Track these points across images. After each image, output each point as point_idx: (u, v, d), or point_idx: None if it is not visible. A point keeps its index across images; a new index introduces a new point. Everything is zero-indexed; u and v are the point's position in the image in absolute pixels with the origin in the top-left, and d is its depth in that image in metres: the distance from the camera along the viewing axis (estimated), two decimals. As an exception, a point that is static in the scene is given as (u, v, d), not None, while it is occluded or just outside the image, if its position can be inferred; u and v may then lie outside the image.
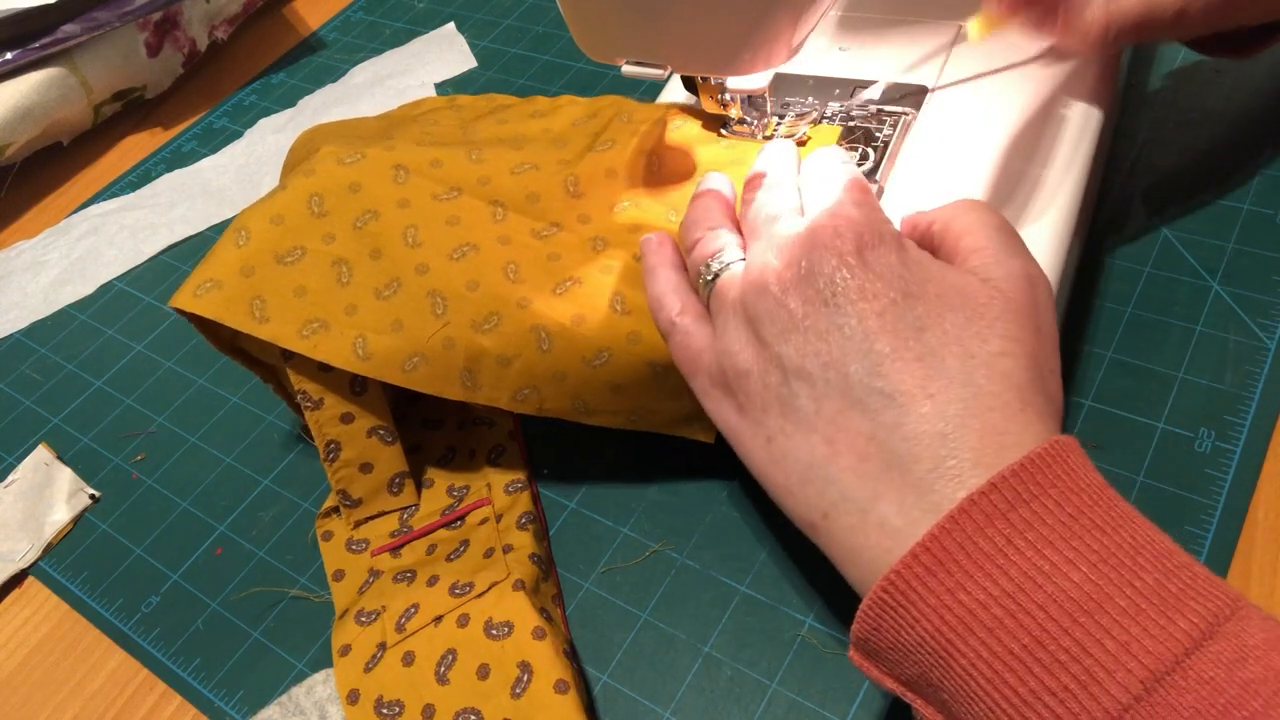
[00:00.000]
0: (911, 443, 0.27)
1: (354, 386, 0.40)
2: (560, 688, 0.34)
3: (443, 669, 0.36)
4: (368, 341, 0.37)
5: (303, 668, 0.39)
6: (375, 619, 0.38)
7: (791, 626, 0.37)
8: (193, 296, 0.39)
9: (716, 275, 0.34)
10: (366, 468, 0.41)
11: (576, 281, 0.37)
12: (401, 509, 0.42)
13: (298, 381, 0.39)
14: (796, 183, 0.35)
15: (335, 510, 0.43)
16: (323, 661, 0.39)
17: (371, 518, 0.42)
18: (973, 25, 0.40)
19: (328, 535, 0.42)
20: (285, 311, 0.38)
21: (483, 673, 0.35)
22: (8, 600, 0.45)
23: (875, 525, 0.27)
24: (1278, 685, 0.22)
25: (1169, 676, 0.22)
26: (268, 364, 0.43)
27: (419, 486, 0.43)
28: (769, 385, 0.30)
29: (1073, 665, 0.23)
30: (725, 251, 0.34)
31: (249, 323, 0.38)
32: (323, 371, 0.40)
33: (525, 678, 0.34)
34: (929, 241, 0.33)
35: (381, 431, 0.41)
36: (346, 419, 0.40)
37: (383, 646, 0.37)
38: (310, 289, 0.38)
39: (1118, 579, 0.24)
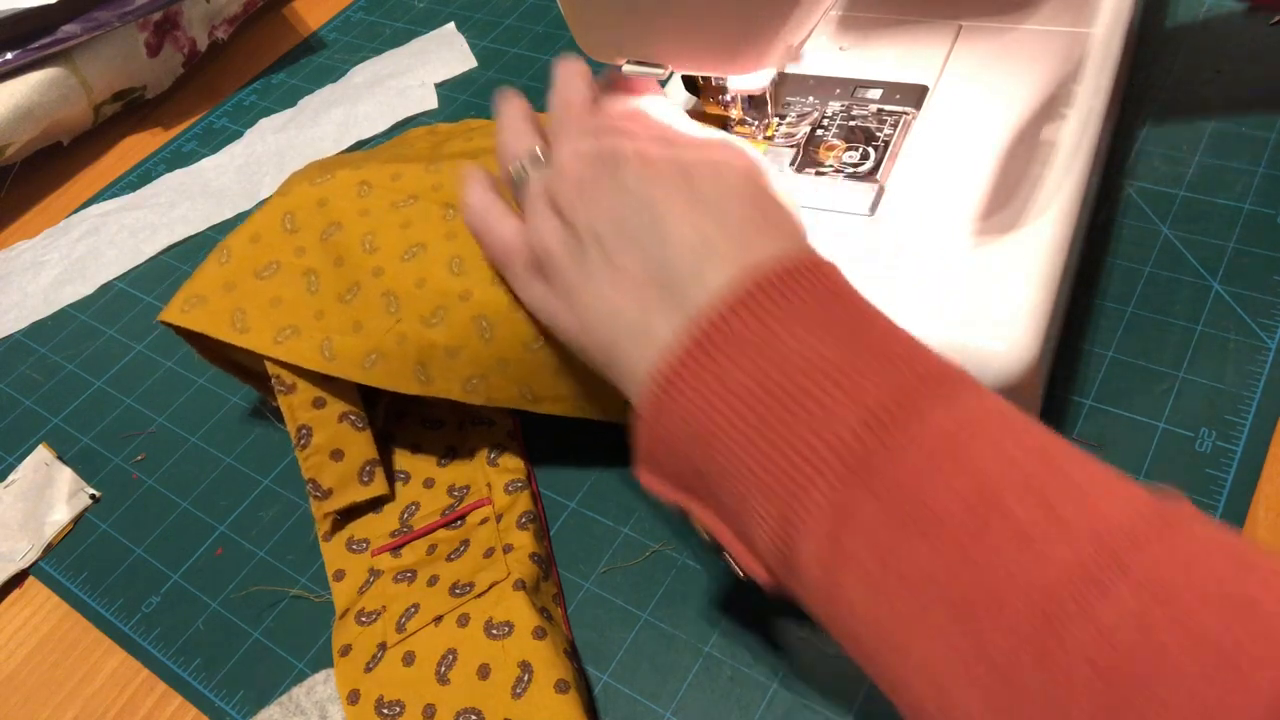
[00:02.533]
0: (676, 263, 0.30)
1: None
2: (561, 687, 0.34)
3: (443, 669, 0.36)
4: (333, 343, 0.40)
5: (303, 668, 0.39)
6: (375, 619, 0.38)
7: (792, 626, 0.37)
8: (180, 312, 0.42)
9: (524, 171, 0.37)
10: (337, 454, 0.42)
11: None
12: (376, 499, 0.42)
13: (273, 369, 0.41)
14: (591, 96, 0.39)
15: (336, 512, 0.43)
16: (323, 661, 0.39)
17: (344, 511, 0.42)
18: None
19: (328, 535, 0.42)
20: (262, 321, 0.41)
21: (483, 672, 0.35)
22: (8, 600, 0.45)
23: (649, 341, 0.30)
24: (1000, 422, 0.26)
25: (899, 418, 0.25)
26: (256, 372, 0.43)
27: (426, 485, 0.43)
28: (570, 254, 0.33)
29: (803, 416, 0.26)
30: (530, 153, 0.37)
31: (231, 333, 0.41)
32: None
33: (526, 677, 0.34)
34: None
35: (352, 417, 0.42)
36: (318, 404, 0.41)
37: (383, 646, 0.37)
38: (284, 299, 0.41)
39: (860, 348, 0.27)
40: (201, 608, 0.42)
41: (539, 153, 0.37)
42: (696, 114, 0.44)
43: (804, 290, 0.29)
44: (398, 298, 0.39)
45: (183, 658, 0.41)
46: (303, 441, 0.41)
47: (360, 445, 0.42)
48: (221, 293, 0.42)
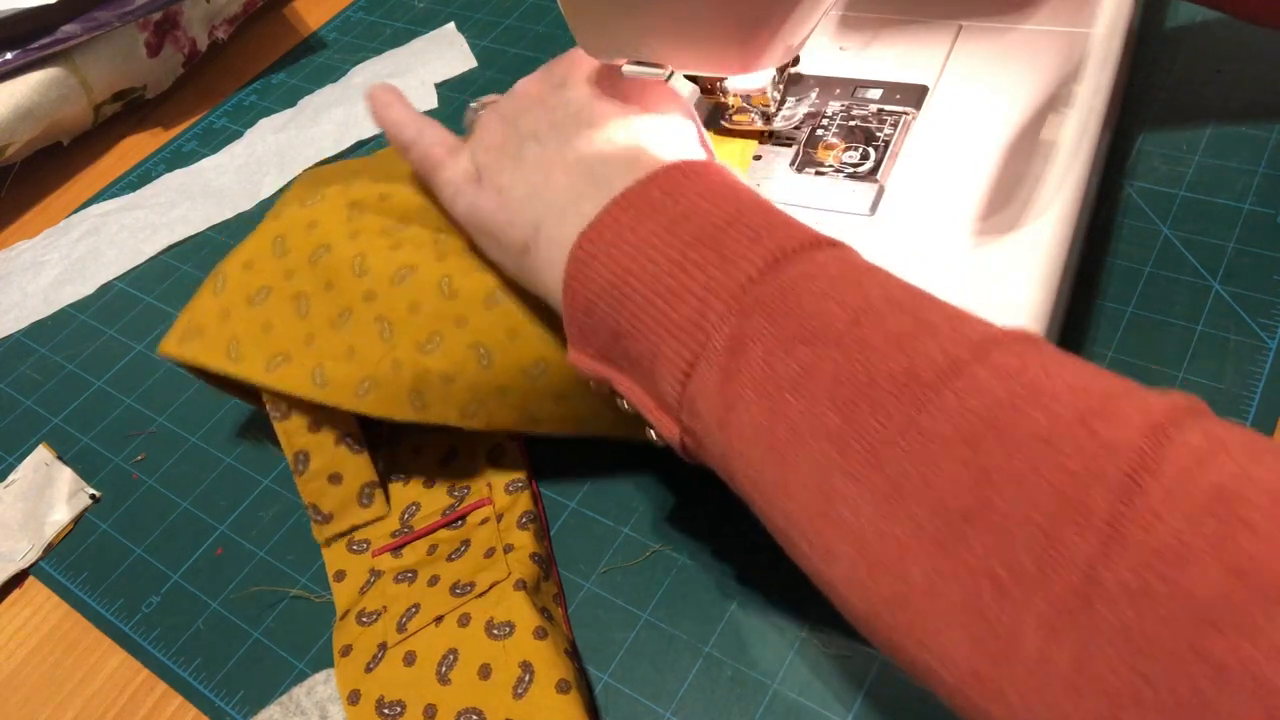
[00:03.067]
0: (609, 158, 0.33)
1: None
2: (562, 687, 0.34)
3: (444, 669, 0.36)
4: (324, 369, 0.39)
5: (303, 668, 0.39)
6: (376, 619, 0.38)
7: (793, 626, 0.37)
8: (178, 344, 0.42)
9: (475, 112, 0.41)
10: (335, 478, 0.42)
11: (509, 293, 0.38)
12: (376, 519, 0.42)
13: (268, 398, 0.41)
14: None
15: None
16: (323, 661, 0.39)
17: (343, 534, 0.42)
18: None
19: (329, 541, 0.42)
20: (254, 349, 0.41)
21: (484, 672, 0.35)
22: (8, 600, 0.45)
23: (576, 217, 0.32)
24: (883, 271, 0.29)
25: (790, 257, 0.28)
26: (258, 395, 0.43)
27: (426, 485, 0.43)
28: (507, 151, 0.36)
29: (714, 257, 0.29)
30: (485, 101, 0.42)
31: (226, 363, 0.41)
32: None
33: (527, 677, 0.34)
34: None
35: (349, 440, 0.42)
36: (314, 427, 0.41)
37: (384, 647, 0.37)
38: (275, 324, 0.41)
39: (756, 211, 0.30)
40: (201, 608, 0.42)
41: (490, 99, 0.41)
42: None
43: (715, 173, 0.32)
44: (391, 323, 0.39)
45: (183, 658, 0.41)
46: (300, 468, 0.41)
47: (359, 468, 0.42)
48: (217, 322, 0.42)
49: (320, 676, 0.38)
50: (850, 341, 0.26)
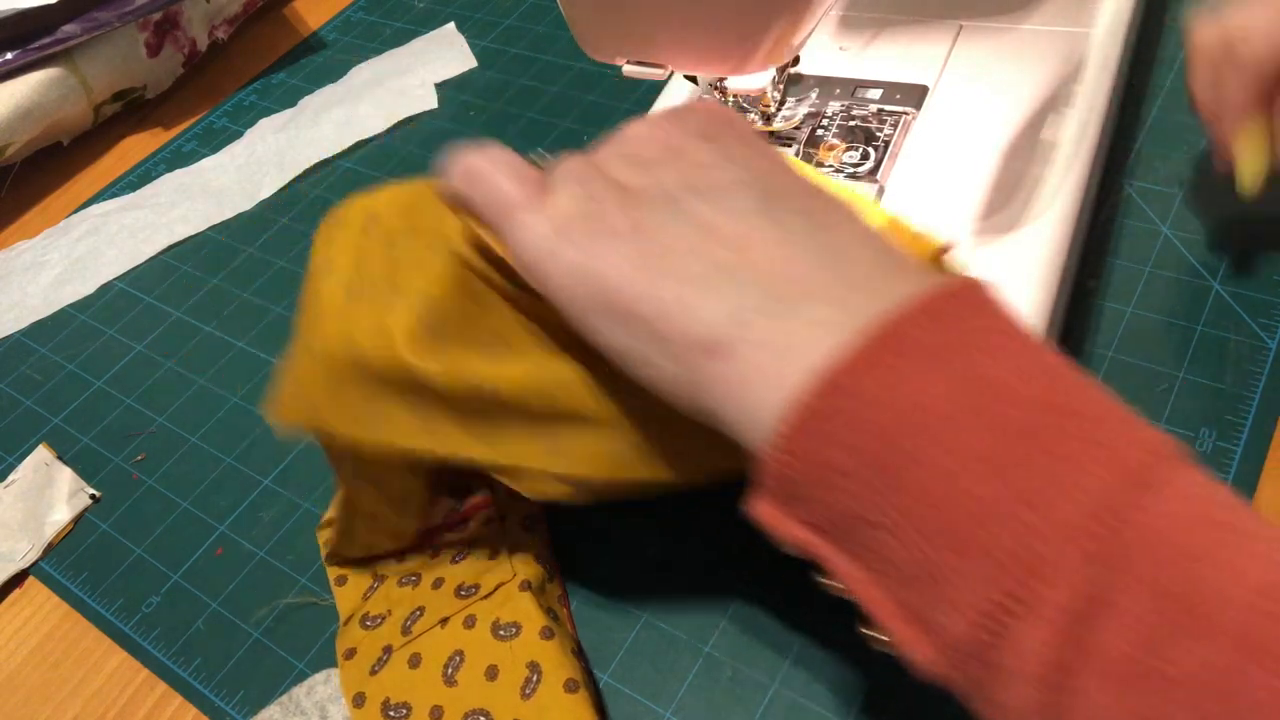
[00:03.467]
0: (839, 246, 0.25)
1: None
2: (570, 687, 0.34)
3: (450, 670, 0.36)
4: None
5: (303, 668, 0.39)
6: (381, 623, 0.38)
7: (793, 626, 0.37)
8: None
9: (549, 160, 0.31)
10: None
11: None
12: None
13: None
14: None
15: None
16: (323, 662, 0.39)
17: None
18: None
19: (329, 543, 0.42)
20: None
21: (491, 673, 0.35)
22: (8, 600, 0.45)
23: (805, 323, 0.23)
24: (1235, 504, 0.21)
25: (1149, 480, 0.20)
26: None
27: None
28: (645, 209, 0.27)
29: (1045, 466, 0.20)
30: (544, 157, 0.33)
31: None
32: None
33: (535, 678, 0.34)
34: None
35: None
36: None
37: (389, 650, 0.37)
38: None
39: (1084, 392, 0.22)
40: (201, 608, 0.42)
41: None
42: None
43: (998, 305, 0.23)
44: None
45: (183, 658, 0.41)
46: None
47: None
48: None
49: (320, 676, 0.38)
50: (1256, 644, 0.19)
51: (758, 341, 0.24)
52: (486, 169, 0.31)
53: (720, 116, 0.29)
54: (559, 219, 0.28)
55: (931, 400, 0.21)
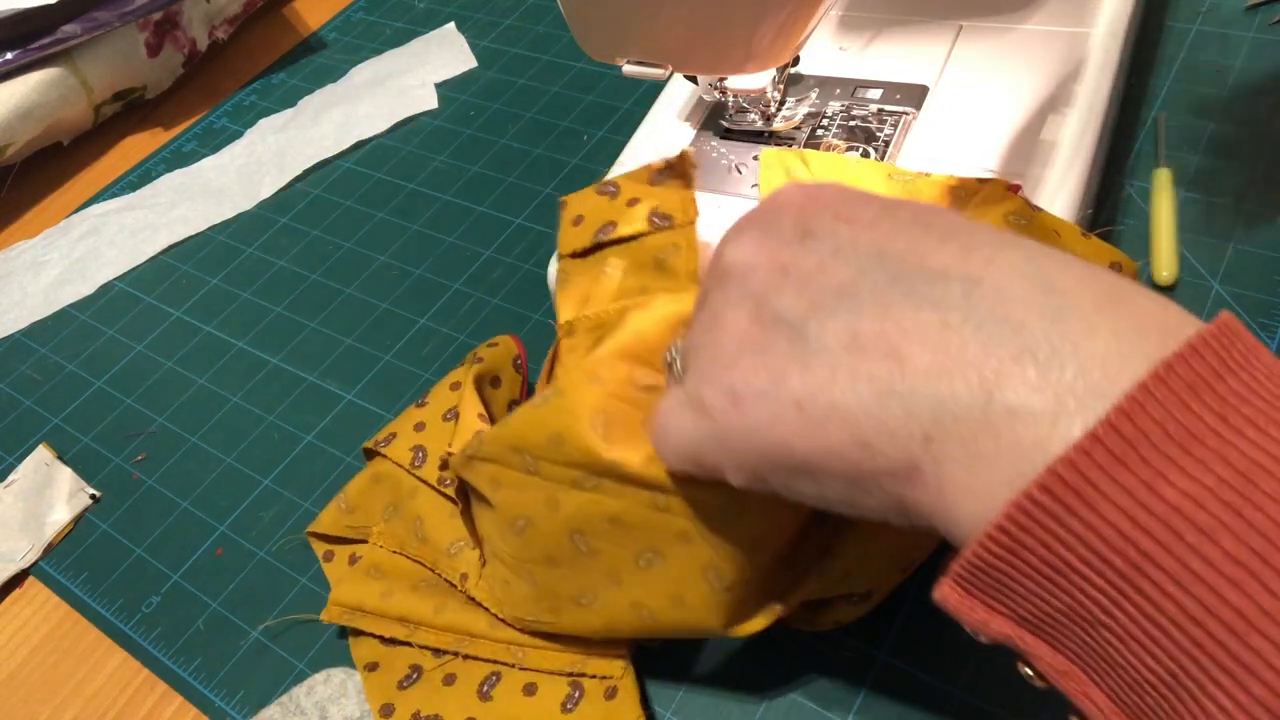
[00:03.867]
0: (1004, 302, 0.21)
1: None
2: (611, 694, 0.33)
3: (486, 688, 0.35)
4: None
5: (303, 668, 0.39)
6: (405, 645, 0.37)
7: (791, 629, 0.37)
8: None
9: (679, 352, 0.29)
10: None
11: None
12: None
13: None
14: None
15: (338, 540, 0.42)
16: (323, 662, 0.39)
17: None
18: None
19: (329, 556, 0.42)
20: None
21: (529, 690, 0.34)
22: (8, 600, 0.45)
23: (1004, 418, 0.20)
24: None
25: None
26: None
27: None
28: (776, 350, 0.24)
29: None
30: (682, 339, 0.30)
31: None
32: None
33: (577, 694, 0.34)
34: None
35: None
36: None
37: (418, 669, 0.36)
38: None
39: None
40: (201, 608, 0.42)
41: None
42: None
43: (1261, 365, 0.20)
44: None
45: (183, 658, 0.41)
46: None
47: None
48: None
49: (320, 676, 0.38)
50: None
51: (954, 458, 0.21)
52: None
53: (803, 202, 0.26)
54: (694, 394, 0.26)
55: (1174, 499, 0.18)
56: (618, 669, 0.34)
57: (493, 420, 0.39)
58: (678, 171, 0.38)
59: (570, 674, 0.34)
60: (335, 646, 0.40)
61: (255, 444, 0.48)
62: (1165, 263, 0.43)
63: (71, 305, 0.59)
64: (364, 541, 0.41)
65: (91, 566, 0.45)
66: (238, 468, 0.47)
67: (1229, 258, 0.44)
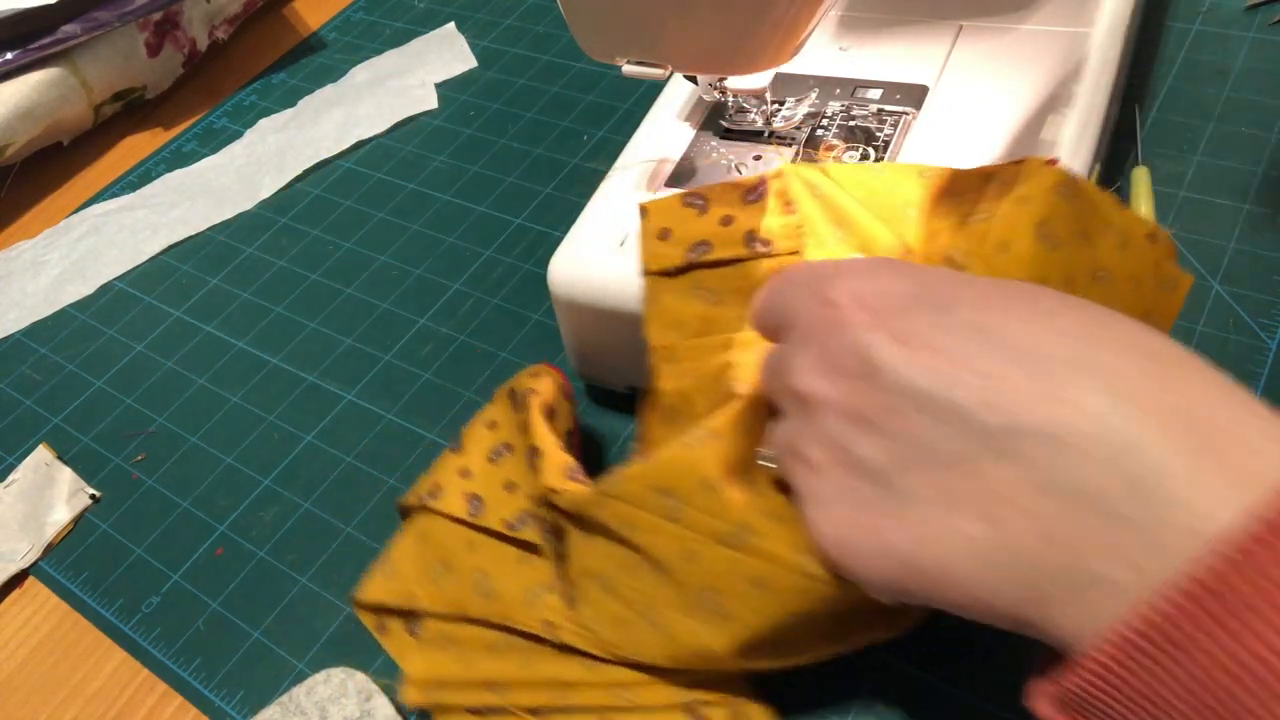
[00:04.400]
0: (1089, 471, 0.21)
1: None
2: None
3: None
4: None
5: (303, 668, 0.39)
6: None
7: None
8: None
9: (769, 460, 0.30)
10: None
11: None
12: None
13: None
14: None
15: (388, 610, 0.38)
16: (323, 661, 0.39)
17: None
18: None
19: (382, 628, 0.38)
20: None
21: None
22: (8, 600, 0.45)
23: (1099, 583, 0.21)
24: None
25: None
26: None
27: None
28: (867, 499, 0.25)
29: None
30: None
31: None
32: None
33: None
34: None
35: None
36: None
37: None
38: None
39: None
40: (201, 608, 0.42)
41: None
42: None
43: None
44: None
45: (183, 658, 0.41)
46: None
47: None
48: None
49: (320, 676, 0.38)
50: None
51: (1059, 608, 0.22)
52: None
53: (853, 317, 0.26)
54: (811, 527, 0.27)
55: (1261, 652, 0.19)
56: (740, 690, 0.33)
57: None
58: (776, 190, 0.36)
59: (688, 704, 0.33)
60: (335, 646, 0.40)
61: (255, 444, 0.48)
62: None
63: (71, 305, 0.59)
64: (417, 611, 0.37)
65: (91, 566, 0.45)
66: (238, 468, 0.47)
67: (1229, 258, 0.44)
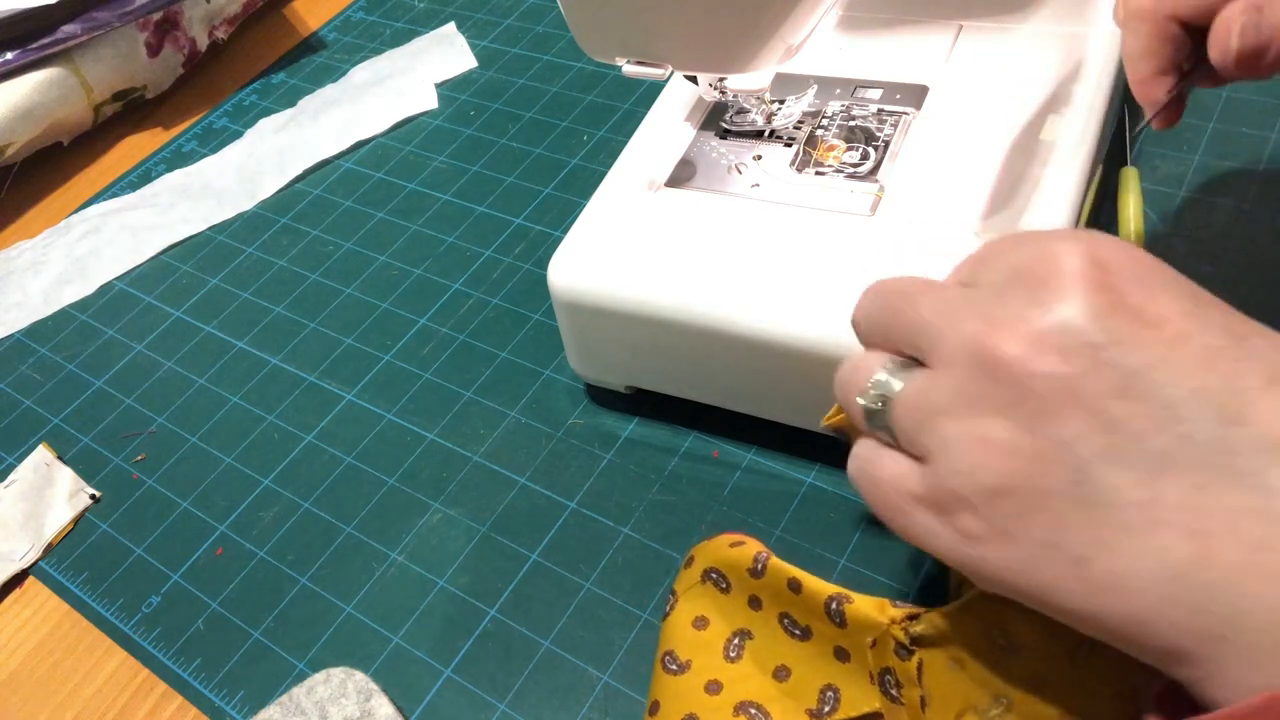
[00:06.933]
0: None
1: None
2: None
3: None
4: None
5: (303, 668, 0.39)
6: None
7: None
8: None
9: (884, 395, 0.25)
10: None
11: None
12: None
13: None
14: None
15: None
16: (323, 661, 0.39)
17: None
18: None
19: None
20: None
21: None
22: (8, 600, 0.45)
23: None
24: None
25: None
26: None
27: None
28: (1055, 490, 0.21)
29: None
30: (880, 367, 0.25)
31: None
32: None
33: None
34: None
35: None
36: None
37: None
38: None
39: None
40: (201, 608, 0.42)
41: (891, 358, 0.26)
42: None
43: None
44: None
45: (183, 658, 0.41)
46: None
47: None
48: None
49: (320, 676, 0.38)
50: None
51: (1244, 658, 0.19)
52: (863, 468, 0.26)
53: (1097, 280, 0.22)
54: (944, 501, 0.23)
55: None
56: None
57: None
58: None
59: None
60: (335, 646, 0.40)
61: (255, 444, 0.48)
62: None
63: (71, 305, 0.59)
64: None
65: (91, 566, 0.45)
66: (238, 468, 0.47)
67: (1229, 258, 0.44)
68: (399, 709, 0.37)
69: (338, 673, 0.38)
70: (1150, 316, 0.22)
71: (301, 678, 0.39)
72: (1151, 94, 0.33)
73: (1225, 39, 0.29)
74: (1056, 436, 0.21)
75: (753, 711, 0.30)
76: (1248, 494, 0.19)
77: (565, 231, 0.42)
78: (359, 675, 0.38)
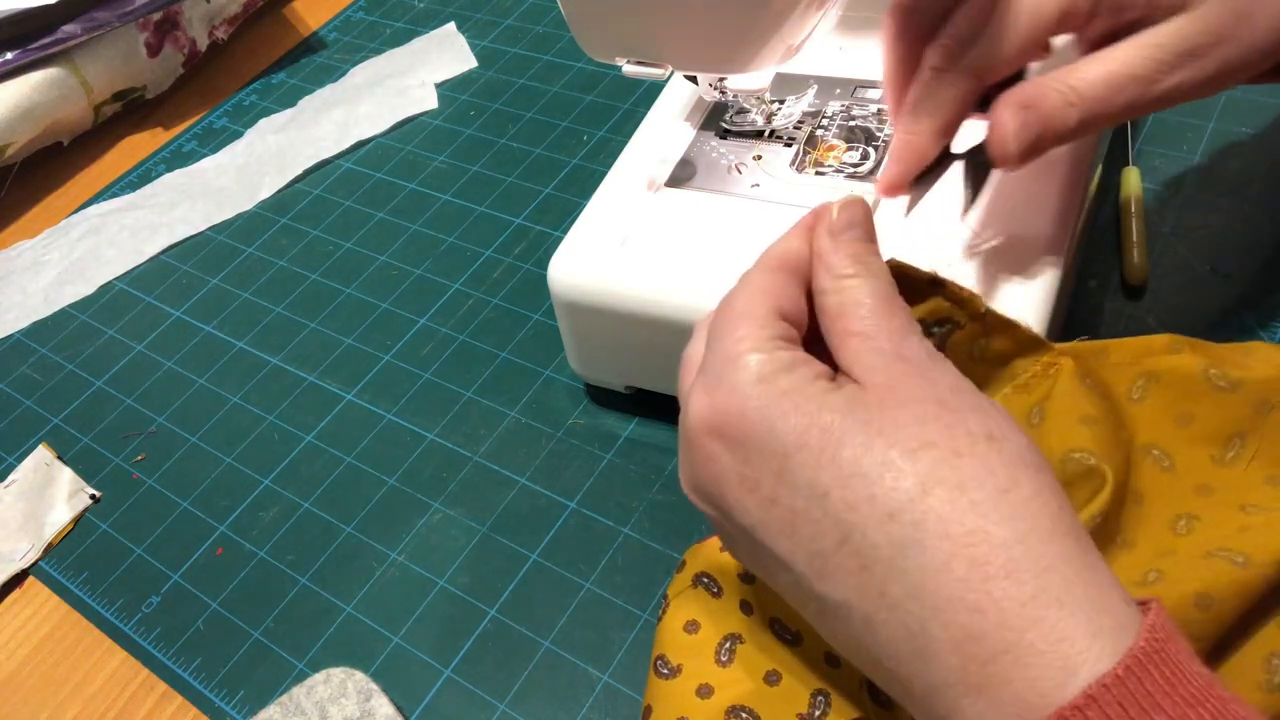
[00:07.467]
0: (919, 609, 0.21)
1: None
2: None
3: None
4: None
5: (303, 668, 0.39)
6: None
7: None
8: None
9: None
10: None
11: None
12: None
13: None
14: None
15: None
16: (323, 661, 0.39)
17: None
18: None
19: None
20: None
21: None
22: (8, 600, 0.45)
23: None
24: None
25: None
26: None
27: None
28: (738, 540, 0.27)
29: None
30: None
31: None
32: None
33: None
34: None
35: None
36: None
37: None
38: None
39: None
40: (201, 608, 0.42)
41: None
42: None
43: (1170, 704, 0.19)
44: None
45: (183, 658, 0.41)
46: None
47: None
48: None
49: (320, 677, 0.38)
50: None
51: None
52: None
53: (706, 457, 0.26)
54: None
55: None
56: None
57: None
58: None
59: None
60: (335, 646, 0.40)
61: (255, 444, 0.48)
62: (1135, 265, 0.43)
63: (71, 305, 0.59)
64: None
65: (91, 566, 0.45)
66: (238, 468, 0.47)
67: (1229, 257, 0.44)
68: (399, 709, 0.37)
69: (338, 673, 0.38)
70: (750, 481, 0.24)
71: (301, 678, 0.39)
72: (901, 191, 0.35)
73: (1003, 143, 0.31)
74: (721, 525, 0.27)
75: (744, 716, 0.30)
76: (842, 626, 0.23)
77: (565, 231, 0.42)
78: (359, 675, 0.38)
